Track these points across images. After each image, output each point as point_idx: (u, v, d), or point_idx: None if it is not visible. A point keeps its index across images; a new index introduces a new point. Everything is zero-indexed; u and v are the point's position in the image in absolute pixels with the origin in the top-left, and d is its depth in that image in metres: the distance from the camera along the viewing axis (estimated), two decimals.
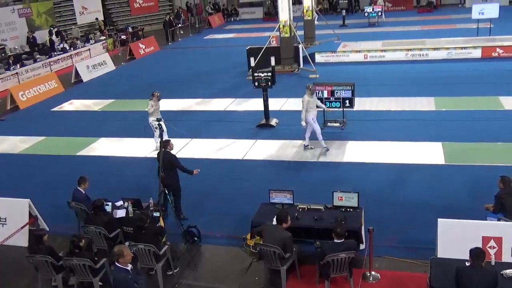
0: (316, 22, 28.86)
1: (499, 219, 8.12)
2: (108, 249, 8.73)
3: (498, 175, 8.70)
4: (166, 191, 9.39)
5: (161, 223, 8.99)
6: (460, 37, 24.23)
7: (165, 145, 9.98)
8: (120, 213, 9.27)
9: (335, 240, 7.43)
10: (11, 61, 23.91)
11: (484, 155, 11.98)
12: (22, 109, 19.64)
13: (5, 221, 9.88)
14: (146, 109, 13.43)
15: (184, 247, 9.22)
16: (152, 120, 12.87)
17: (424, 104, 15.90)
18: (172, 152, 10.21)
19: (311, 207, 8.90)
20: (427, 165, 11.76)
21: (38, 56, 25.59)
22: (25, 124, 17.68)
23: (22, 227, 9.60)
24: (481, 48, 21.30)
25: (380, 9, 31.98)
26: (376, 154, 12.54)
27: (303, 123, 12.58)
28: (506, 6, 33.08)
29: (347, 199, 8.68)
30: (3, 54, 25.04)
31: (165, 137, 13.18)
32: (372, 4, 34.00)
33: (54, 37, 28.79)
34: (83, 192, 9.74)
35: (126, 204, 9.44)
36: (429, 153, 12.34)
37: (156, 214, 8.93)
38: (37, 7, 30.10)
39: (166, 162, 9.73)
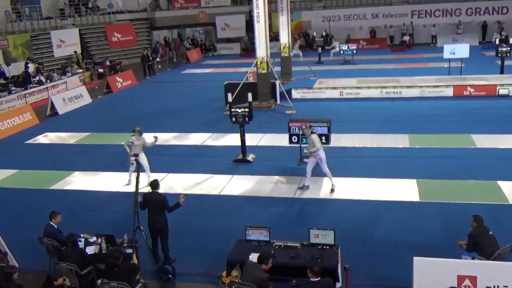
0: (300, 59, 30.07)
1: (473, 258, 8.19)
2: (79, 286, 8.50)
3: (471, 213, 8.84)
4: (141, 228, 9.25)
5: (135, 260, 8.82)
6: (433, 76, 24.84)
7: (154, 185, 9.80)
8: (90, 250, 9.07)
9: (311, 279, 7.36)
10: None
11: (457, 193, 12.15)
12: None
13: None
14: (123, 143, 13.34)
15: (158, 285, 9.04)
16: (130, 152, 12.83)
17: (399, 141, 16.15)
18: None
19: (288, 244, 8.86)
20: (402, 202, 11.87)
21: (13, 88, 25.35)
22: None
23: None
24: (453, 87, 21.87)
25: (356, 47, 32.65)
26: (352, 191, 12.62)
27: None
28: (476, 46, 34.21)
29: (323, 236, 8.67)
30: None
31: (148, 173, 13.23)
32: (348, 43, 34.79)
33: (30, 69, 28.63)
34: (55, 227, 9.53)
35: (99, 240, 9.26)
36: (404, 190, 12.47)
37: (130, 251, 8.76)
38: (13, 39, 30.01)
39: (157, 203, 9.53)
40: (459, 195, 11.99)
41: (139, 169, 9.88)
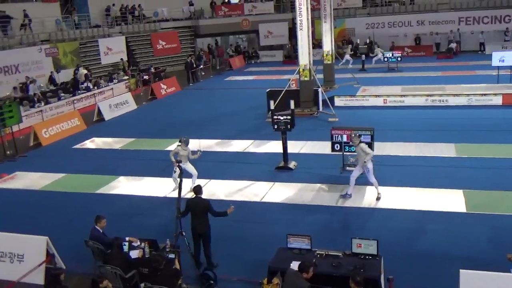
0: (350, 66, 30.47)
1: None
2: None
3: None
4: (184, 234, 9.35)
5: (177, 265, 8.91)
6: (481, 84, 24.22)
7: (197, 191, 9.93)
8: (134, 254, 9.22)
9: None
10: (36, 99, 24.47)
11: (506, 204, 11.76)
12: (44, 146, 19.96)
13: (22, 258, 9.89)
14: (170, 151, 13.57)
15: None
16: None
17: (444, 150, 15.78)
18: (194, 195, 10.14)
19: (329, 253, 8.78)
20: (448, 213, 11.58)
21: (62, 94, 26.20)
22: (46, 161, 17.94)
23: (39, 265, 9.59)
24: (502, 95, 21.22)
25: (400, 54, 32.23)
26: (396, 200, 12.41)
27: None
28: None
29: (366, 246, 8.56)
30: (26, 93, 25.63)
31: (194, 179, 13.39)
32: (392, 50, 34.38)
33: (81, 74, 29.49)
34: (101, 231, 9.74)
35: (142, 244, 9.41)
36: (449, 200, 12.16)
37: (172, 256, 8.87)
38: (63, 47, 31.03)
39: (200, 208, 9.65)
40: (508, 207, 11.60)
41: (182, 175, 9.98)
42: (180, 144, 13.31)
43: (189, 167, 13.34)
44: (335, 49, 29.90)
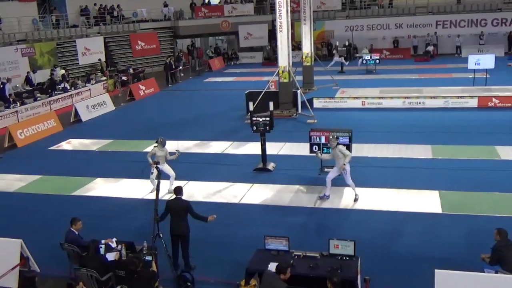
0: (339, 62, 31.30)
1: (496, 272, 8.02)
2: None
3: (495, 226, 8.69)
4: (161, 236, 9.28)
5: (154, 267, 8.84)
6: (457, 86, 24.57)
7: (177, 192, 9.86)
8: (110, 256, 9.13)
9: None
10: (11, 99, 24.07)
11: (481, 205, 11.94)
12: (19, 147, 19.64)
13: None
14: (148, 153, 13.45)
15: None
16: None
17: (421, 151, 15.96)
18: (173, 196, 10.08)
19: (307, 254, 8.79)
20: (424, 213, 11.71)
21: (38, 95, 25.82)
22: (22, 163, 17.65)
23: (13, 268, 9.41)
24: (477, 98, 21.55)
25: (379, 57, 32.48)
26: (373, 201, 12.50)
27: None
28: (501, 57, 33.71)
29: (343, 247, 8.59)
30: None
31: (172, 181, 13.30)
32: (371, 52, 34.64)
33: (58, 74, 29.10)
34: (76, 233, 9.62)
35: (119, 246, 9.32)
36: (426, 201, 12.30)
37: (149, 258, 8.79)
38: (40, 47, 30.58)
39: (180, 209, 9.58)
40: (482, 208, 11.78)
41: (160, 176, 9.91)
42: (156, 145, 13.22)
43: (166, 168, 13.26)
44: (315, 51, 30.00)
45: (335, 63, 33.14)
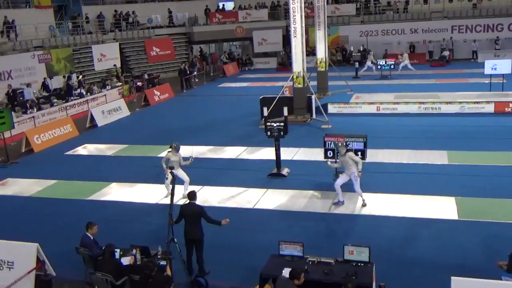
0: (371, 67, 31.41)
1: None
2: None
3: None
4: (176, 241, 9.30)
5: (168, 272, 8.86)
6: (473, 92, 24.34)
7: (191, 197, 9.90)
8: (125, 261, 9.16)
9: None
10: (28, 105, 24.36)
11: (498, 212, 11.79)
12: (36, 152, 19.85)
13: (13, 265, 9.78)
14: (162, 160, 13.50)
15: None
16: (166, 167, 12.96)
17: (437, 157, 15.82)
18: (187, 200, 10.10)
19: (322, 260, 8.75)
20: (440, 220, 11.59)
21: (55, 100, 26.10)
22: (38, 167, 17.84)
23: (29, 272, 9.49)
24: (494, 103, 21.33)
25: (393, 62, 32.31)
26: (388, 207, 12.41)
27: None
28: None
29: (358, 253, 8.53)
30: (21, 98, 25.52)
31: (186, 186, 13.35)
32: (385, 58, 34.50)
33: (72, 82, 29.41)
34: (92, 238, 9.68)
35: (134, 251, 9.35)
36: (442, 207, 12.18)
37: (163, 262, 8.81)
38: (56, 54, 30.94)
39: (193, 214, 9.63)
40: (499, 214, 11.63)
41: (174, 182, 9.94)
42: (170, 150, 13.28)
43: (181, 173, 13.30)
44: (329, 56, 29.97)
45: (368, 68, 33.08)
